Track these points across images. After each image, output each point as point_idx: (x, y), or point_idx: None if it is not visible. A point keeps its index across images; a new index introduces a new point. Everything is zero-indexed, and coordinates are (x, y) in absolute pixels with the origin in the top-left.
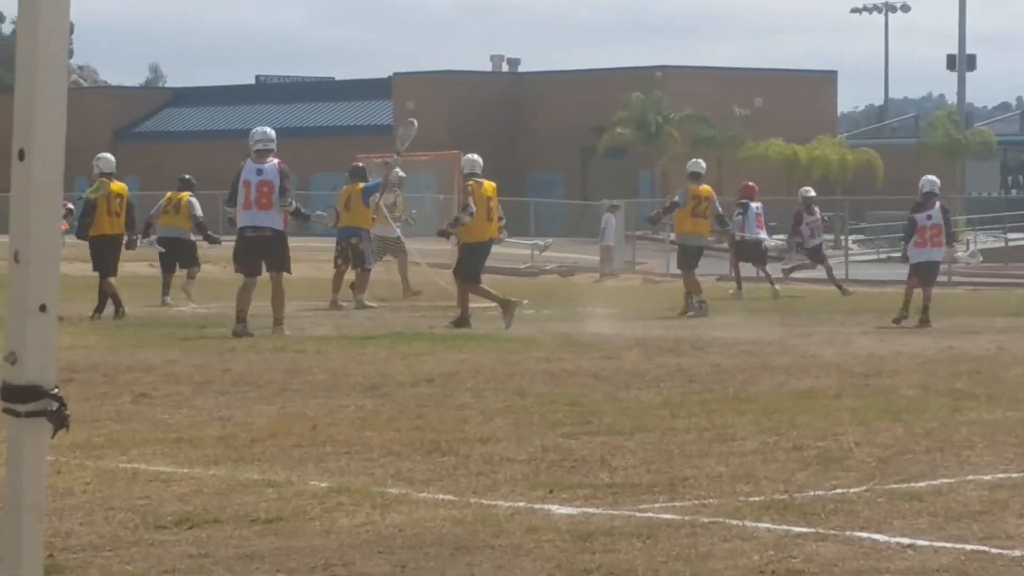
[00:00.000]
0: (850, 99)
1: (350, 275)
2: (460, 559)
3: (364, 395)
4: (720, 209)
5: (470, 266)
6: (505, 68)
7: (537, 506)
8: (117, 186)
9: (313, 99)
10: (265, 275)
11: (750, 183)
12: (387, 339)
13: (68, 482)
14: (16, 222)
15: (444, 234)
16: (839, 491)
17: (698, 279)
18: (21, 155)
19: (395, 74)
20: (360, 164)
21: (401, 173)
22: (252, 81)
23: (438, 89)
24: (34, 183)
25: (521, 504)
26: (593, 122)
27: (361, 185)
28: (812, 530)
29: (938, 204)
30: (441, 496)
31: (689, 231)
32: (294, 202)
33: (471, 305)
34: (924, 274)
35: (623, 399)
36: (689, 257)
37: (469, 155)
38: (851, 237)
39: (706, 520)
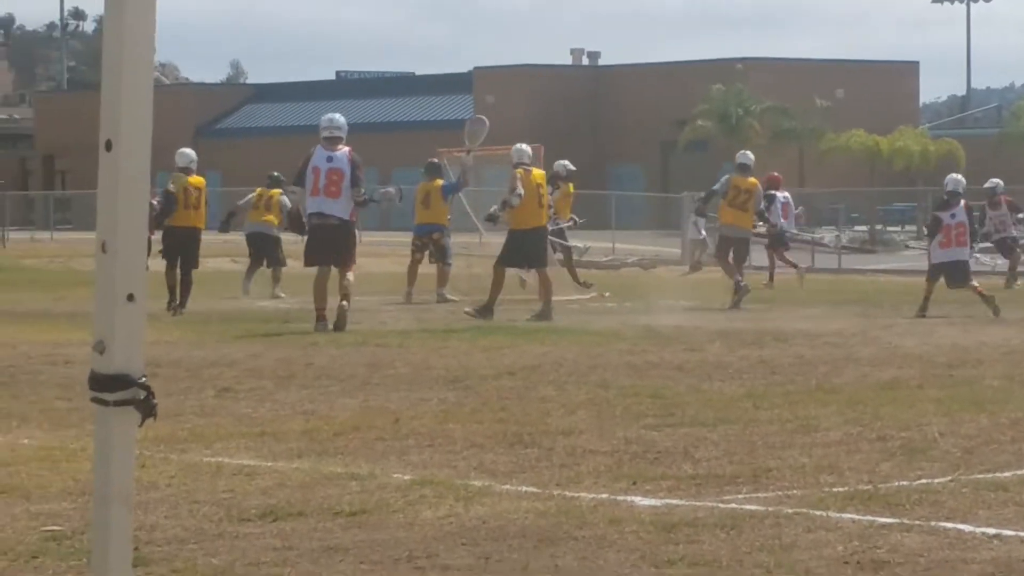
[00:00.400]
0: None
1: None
2: (544, 551)
3: (446, 388)
4: (762, 204)
5: (524, 252)
6: (585, 61)
7: (620, 498)
8: (195, 179)
9: (393, 94)
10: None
11: (776, 174)
12: (468, 332)
13: (153, 476)
14: (103, 213)
15: (492, 218)
16: (924, 481)
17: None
18: (108, 146)
19: (475, 68)
20: (435, 160)
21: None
22: (333, 77)
23: (518, 83)
24: (121, 174)
25: (604, 496)
26: (674, 115)
27: (440, 182)
28: (897, 521)
29: (962, 203)
30: (524, 488)
31: (730, 222)
32: (366, 192)
33: (553, 299)
34: (950, 273)
35: (706, 391)
36: (726, 248)
37: (518, 144)
38: None
39: (790, 511)
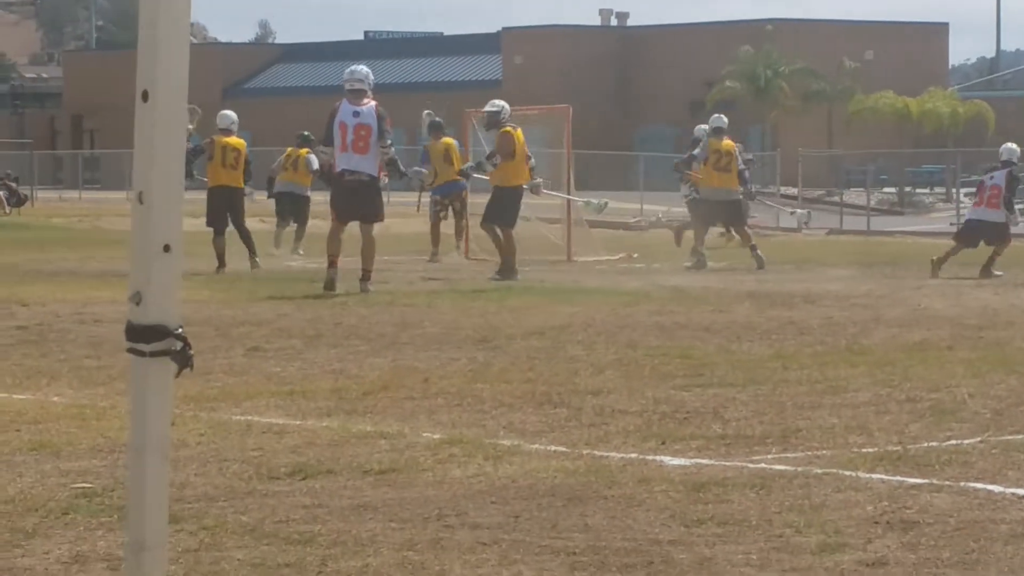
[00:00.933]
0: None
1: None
2: (573, 510)
3: (475, 348)
4: (742, 166)
5: (498, 210)
6: (614, 22)
7: (649, 457)
8: (235, 140)
9: (422, 54)
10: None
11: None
12: (496, 292)
13: (182, 434)
14: (139, 164)
15: (465, 175)
16: (953, 442)
17: (701, 234)
18: (145, 96)
19: (504, 29)
20: (437, 119)
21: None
22: (361, 37)
23: (547, 43)
24: (157, 124)
25: (633, 455)
26: (702, 76)
27: (450, 140)
28: (926, 481)
29: (1008, 170)
30: (553, 447)
31: (716, 185)
32: (393, 148)
33: (581, 259)
34: (968, 233)
35: (735, 351)
36: (717, 213)
37: (497, 101)
38: (963, 190)
39: (819, 471)
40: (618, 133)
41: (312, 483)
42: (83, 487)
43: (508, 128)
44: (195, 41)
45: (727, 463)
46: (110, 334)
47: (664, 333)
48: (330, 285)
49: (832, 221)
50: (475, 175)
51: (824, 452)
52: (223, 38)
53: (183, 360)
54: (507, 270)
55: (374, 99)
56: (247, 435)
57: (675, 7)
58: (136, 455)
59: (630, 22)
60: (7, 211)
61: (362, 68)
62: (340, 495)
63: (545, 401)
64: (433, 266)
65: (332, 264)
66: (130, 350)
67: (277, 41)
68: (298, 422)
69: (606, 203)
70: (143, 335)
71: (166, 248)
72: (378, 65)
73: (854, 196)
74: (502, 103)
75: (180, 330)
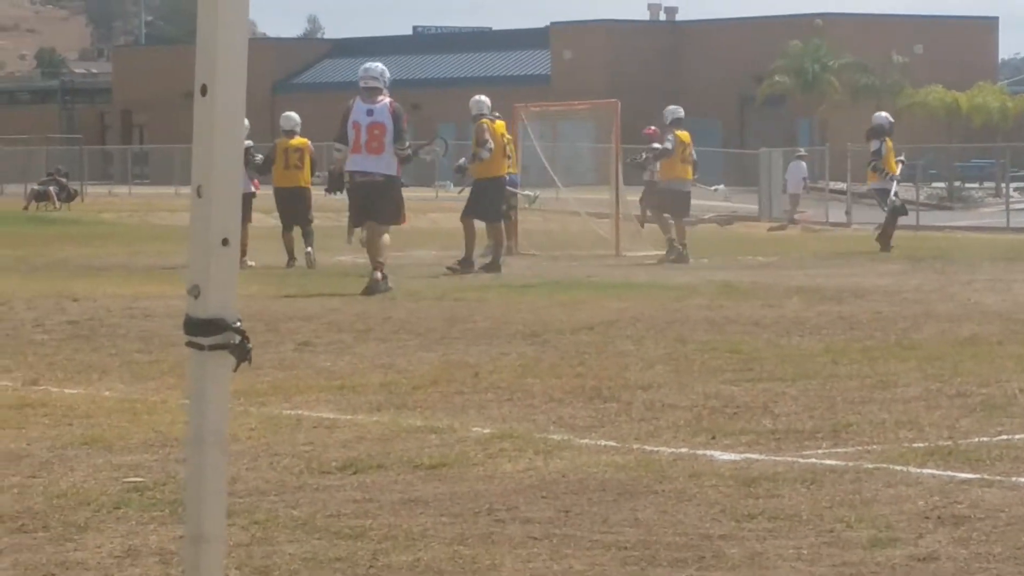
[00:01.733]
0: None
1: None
2: (624, 504)
3: (525, 342)
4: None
5: (484, 203)
6: (663, 16)
7: (700, 452)
8: (298, 140)
9: (470, 49)
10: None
11: (652, 128)
12: (546, 287)
13: (233, 428)
14: (198, 157)
15: (461, 171)
16: (1004, 438)
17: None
18: (203, 90)
19: (552, 23)
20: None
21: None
22: (409, 32)
23: (595, 38)
24: (216, 118)
25: (684, 450)
26: (751, 70)
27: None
28: (977, 476)
29: None
30: (603, 442)
31: (680, 176)
32: (410, 145)
33: (628, 254)
34: None
35: (784, 346)
36: (678, 203)
37: (477, 96)
38: (1012, 185)
39: (870, 466)
40: (666, 128)
41: (363, 477)
42: (135, 481)
43: (484, 120)
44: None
45: (777, 458)
46: (160, 329)
47: (713, 328)
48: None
49: (881, 216)
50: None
51: (875, 447)
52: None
53: (241, 354)
54: (466, 263)
55: (389, 97)
56: (298, 430)
57: (724, 1)
58: (194, 448)
59: (679, 16)
60: (57, 206)
61: (377, 65)
62: (391, 489)
63: (595, 396)
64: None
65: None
66: (188, 343)
67: (326, 36)
68: (348, 417)
69: (536, 196)
70: (201, 328)
71: (225, 242)
72: (427, 60)
73: (903, 191)
74: (479, 98)
75: (238, 324)
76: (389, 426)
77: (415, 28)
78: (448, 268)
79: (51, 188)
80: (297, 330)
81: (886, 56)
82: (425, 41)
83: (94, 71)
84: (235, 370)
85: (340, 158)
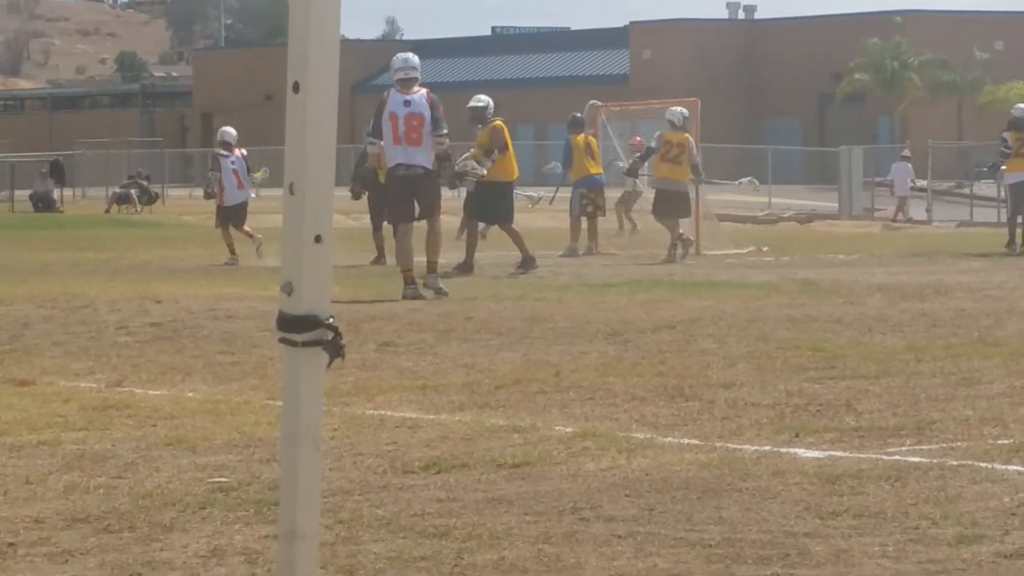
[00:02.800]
0: None
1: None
2: (708, 502)
3: (606, 341)
4: (697, 159)
5: (490, 206)
6: (742, 15)
7: (783, 450)
8: None
9: (549, 49)
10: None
11: (638, 138)
12: (626, 287)
13: None
14: (291, 155)
15: (461, 176)
16: None
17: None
18: (296, 87)
19: (631, 23)
20: (579, 115)
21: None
22: (488, 32)
23: (674, 37)
24: (308, 115)
25: (767, 448)
26: (830, 68)
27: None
28: None
29: None
30: (686, 440)
31: (665, 175)
32: (448, 138)
33: (711, 252)
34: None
35: (867, 344)
36: (665, 203)
37: (482, 96)
38: None
39: (954, 463)
40: (746, 126)
41: (446, 477)
42: (219, 481)
43: (499, 122)
44: None
45: (861, 455)
46: (242, 330)
47: (795, 326)
48: (416, 296)
49: (962, 213)
50: (471, 176)
51: (959, 444)
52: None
53: (334, 350)
54: (527, 261)
55: (425, 87)
56: (381, 429)
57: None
58: (289, 444)
59: (757, 15)
60: (139, 209)
61: (413, 57)
62: (474, 488)
63: (677, 394)
64: (566, 260)
65: (409, 281)
66: (282, 340)
67: (405, 37)
68: (431, 416)
69: (539, 197)
70: (295, 325)
71: (317, 239)
72: (506, 61)
73: (984, 188)
74: (487, 99)
75: (331, 320)
76: (472, 425)
77: (494, 29)
78: (512, 271)
79: (132, 191)
80: (379, 330)
81: (967, 53)
82: (504, 41)
83: (174, 74)
84: (328, 366)
85: (376, 152)
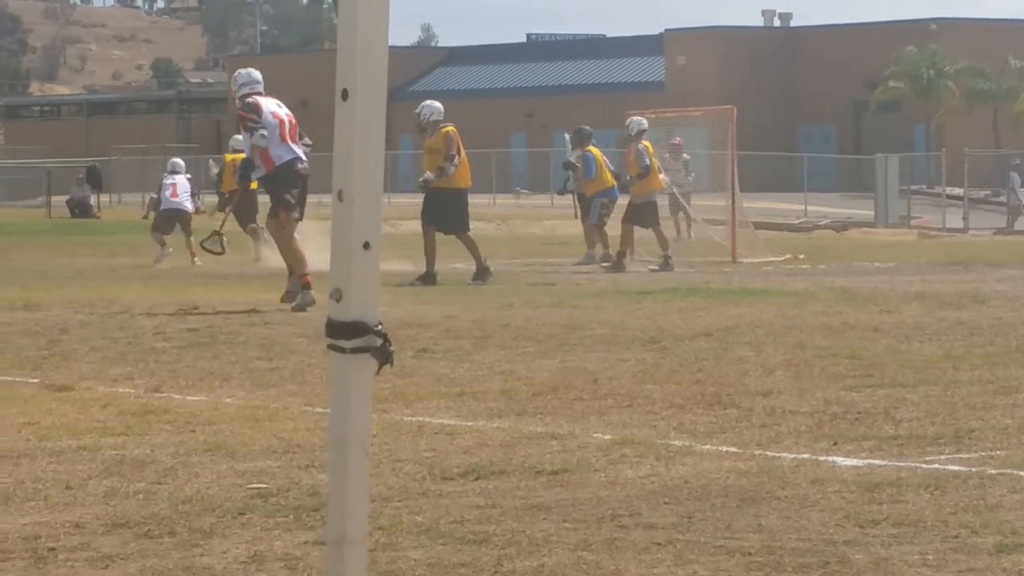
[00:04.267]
0: None
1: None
2: (747, 510)
3: (643, 349)
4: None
5: (447, 214)
6: (777, 22)
7: (822, 458)
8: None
9: (584, 56)
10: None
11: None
12: (663, 294)
13: None
14: (339, 161)
15: (427, 183)
16: None
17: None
18: (344, 95)
19: (666, 30)
20: (586, 128)
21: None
22: (523, 39)
23: (710, 44)
24: (357, 122)
25: (806, 456)
26: (866, 76)
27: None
28: None
29: None
30: (725, 448)
31: (656, 188)
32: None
33: (747, 260)
34: None
35: (904, 352)
36: (649, 212)
37: (430, 102)
38: None
39: (994, 471)
40: (781, 134)
41: (485, 483)
42: (258, 487)
43: (451, 127)
44: None
45: (900, 464)
46: (280, 336)
47: (832, 334)
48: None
49: (999, 221)
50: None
51: (998, 452)
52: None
53: (383, 356)
54: (481, 272)
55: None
56: (419, 436)
57: (838, 7)
58: (337, 450)
59: (793, 22)
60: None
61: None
62: (513, 495)
63: (715, 402)
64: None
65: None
66: (330, 346)
67: (440, 44)
68: (469, 423)
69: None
70: (343, 332)
71: (366, 245)
72: (541, 67)
73: (1022, 196)
74: (436, 104)
75: (379, 327)
76: (510, 432)
77: (529, 35)
78: (413, 283)
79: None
80: (416, 336)
81: (1002, 61)
82: (539, 48)
83: (210, 80)
84: (377, 373)
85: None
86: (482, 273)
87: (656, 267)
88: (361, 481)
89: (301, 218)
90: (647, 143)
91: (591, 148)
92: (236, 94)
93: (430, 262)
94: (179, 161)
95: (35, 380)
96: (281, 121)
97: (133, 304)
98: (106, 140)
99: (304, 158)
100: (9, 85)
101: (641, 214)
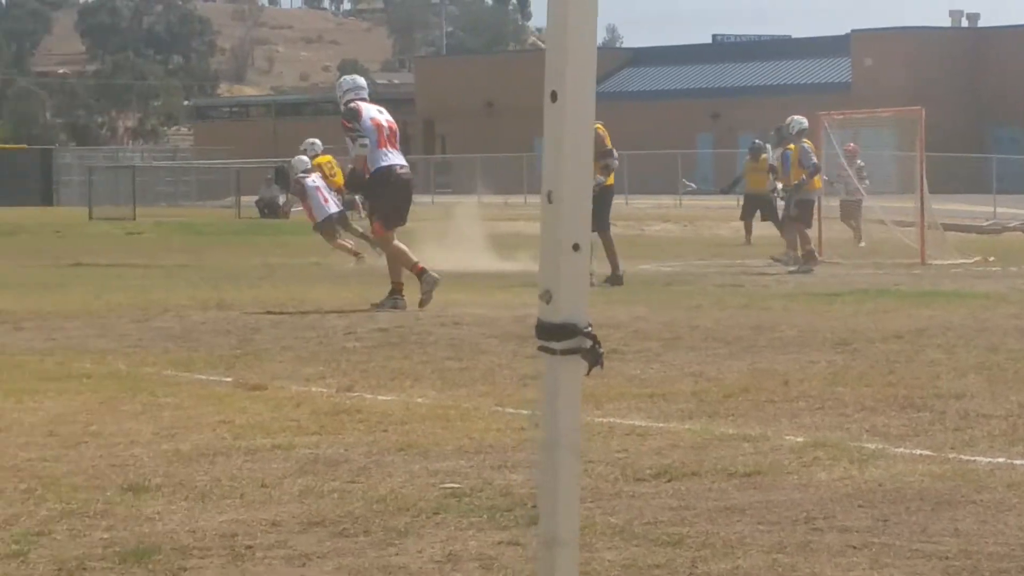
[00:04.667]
0: None
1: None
2: (942, 514)
3: (833, 351)
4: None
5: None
6: (964, 23)
7: (1017, 462)
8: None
9: (770, 57)
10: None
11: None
12: (852, 296)
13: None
14: (549, 163)
15: (599, 185)
16: None
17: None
18: (553, 96)
19: (853, 31)
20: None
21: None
22: (709, 40)
23: (896, 45)
24: (566, 124)
25: (1001, 460)
26: None
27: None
28: None
29: None
30: (918, 451)
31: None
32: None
33: (936, 262)
34: None
35: None
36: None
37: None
38: None
39: None
40: (970, 135)
41: (678, 485)
42: (451, 487)
43: (598, 125)
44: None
45: None
46: (469, 336)
47: None
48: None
49: None
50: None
51: None
52: None
53: (593, 358)
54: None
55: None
56: (610, 437)
57: None
58: (548, 451)
59: (981, 23)
60: (363, 215)
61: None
62: (706, 497)
63: (907, 404)
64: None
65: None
66: (540, 348)
67: (624, 45)
68: (660, 424)
69: (693, 186)
70: (553, 333)
71: (575, 247)
72: (726, 69)
73: None
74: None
75: (589, 328)
76: (701, 434)
77: (714, 37)
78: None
79: (357, 197)
80: (606, 337)
81: None
82: (724, 50)
83: (396, 81)
84: (587, 374)
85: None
86: (614, 279)
87: (790, 266)
88: (572, 482)
89: (403, 223)
90: (809, 141)
91: (793, 145)
92: (340, 100)
93: (614, 264)
94: (305, 159)
95: (228, 379)
96: (380, 126)
97: (323, 304)
98: (294, 141)
99: (404, 163)
100: (199, 86)
101: (801, 212)
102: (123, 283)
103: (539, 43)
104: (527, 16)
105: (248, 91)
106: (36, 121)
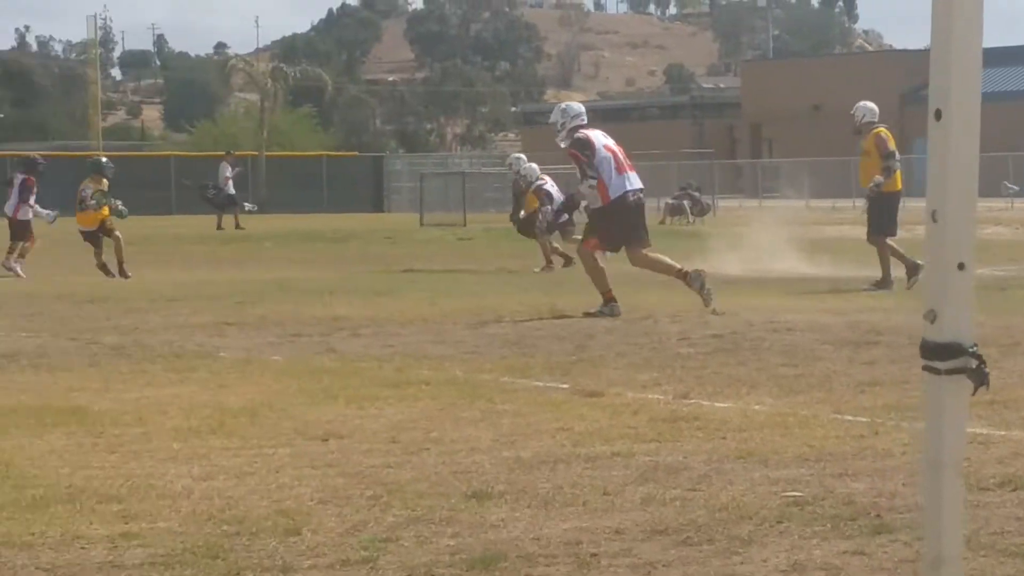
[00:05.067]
0: None
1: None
2: None
3: None
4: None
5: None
6: None
7: None
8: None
9: None
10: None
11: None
12: None
13: (887, 443)
14: (933, 182)
15: (878, 186)
16: None
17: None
18: (937, 115)
19: None
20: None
21: None
22: None
23: None
24: (951, 142)
25: None
26: None
27: None
28: None
29: None
30: None
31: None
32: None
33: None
34: None
35: None
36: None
37: (863, 103)
38: None
39: None
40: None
41: (1023, 494)
42: (793, 496)
43: (882, 128)
44: (870, 49)
45: None
46: (803, 342)
47: None
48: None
49: None
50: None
51: None
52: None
53: (979, 378)
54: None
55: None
56: None
57: None
58: (932, 470)
59: None
60: (691, 220)
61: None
62: None
63: None
64: None
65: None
66: (925, 367)
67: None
68: (1002, 432)
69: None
70: (938, 353)
71: (960, 266)
72: None
73: None
74: (870, 104)
75: (975, 348)
76: None
77: None
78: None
79: (685, 202)
80: None
81: None
82: None
83: (722, 85)
84: (973, 395)
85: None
86: (884, 282)
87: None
88: (956, 501)
89: (647, 243)
90: (883, 129)
91: None
92: (567, 126)
93: (885, 270)
94: (535, 166)
95: (565, 385)
96: (614, 153)
97: (657, 309)
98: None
99: (641, 186)
100: (526, 92)
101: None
102: (456, 289)
103: (866, 45)
104: (854, 18)
105: (575, 97)
106: (366, 129)
